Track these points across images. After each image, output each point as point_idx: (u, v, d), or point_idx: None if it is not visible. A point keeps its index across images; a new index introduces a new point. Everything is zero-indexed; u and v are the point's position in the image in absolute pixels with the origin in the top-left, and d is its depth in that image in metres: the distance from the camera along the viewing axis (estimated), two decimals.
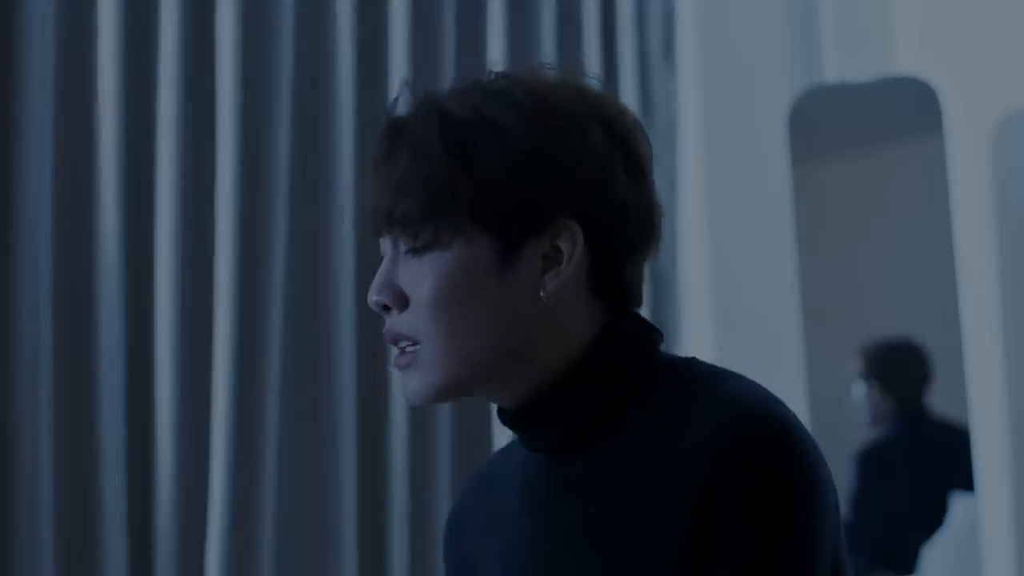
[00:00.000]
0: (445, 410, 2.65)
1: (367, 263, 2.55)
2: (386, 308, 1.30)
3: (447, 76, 2.72)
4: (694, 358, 1.33)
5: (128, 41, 2.40)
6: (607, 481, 1.27)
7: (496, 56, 2.79)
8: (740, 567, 1.19)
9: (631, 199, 1.29)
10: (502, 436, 2.67)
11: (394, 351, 1.31)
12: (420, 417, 2.62)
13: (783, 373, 3.15)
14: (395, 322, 1.30)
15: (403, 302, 1.29)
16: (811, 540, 1.21)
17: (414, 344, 1.28)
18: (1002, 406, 3.04)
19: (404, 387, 1.30)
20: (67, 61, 2.35)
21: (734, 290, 3.18)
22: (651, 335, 1.33)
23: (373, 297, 1.30)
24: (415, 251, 1.28)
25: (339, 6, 2.61)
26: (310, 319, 2.53)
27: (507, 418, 1.33)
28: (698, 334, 3.11)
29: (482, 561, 1.37)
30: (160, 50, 2.43)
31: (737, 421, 1.21)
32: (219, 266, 2.44)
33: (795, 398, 3.13)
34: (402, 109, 1.32)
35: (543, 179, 1.27)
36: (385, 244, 1.32)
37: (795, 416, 1.25)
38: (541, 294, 1.27)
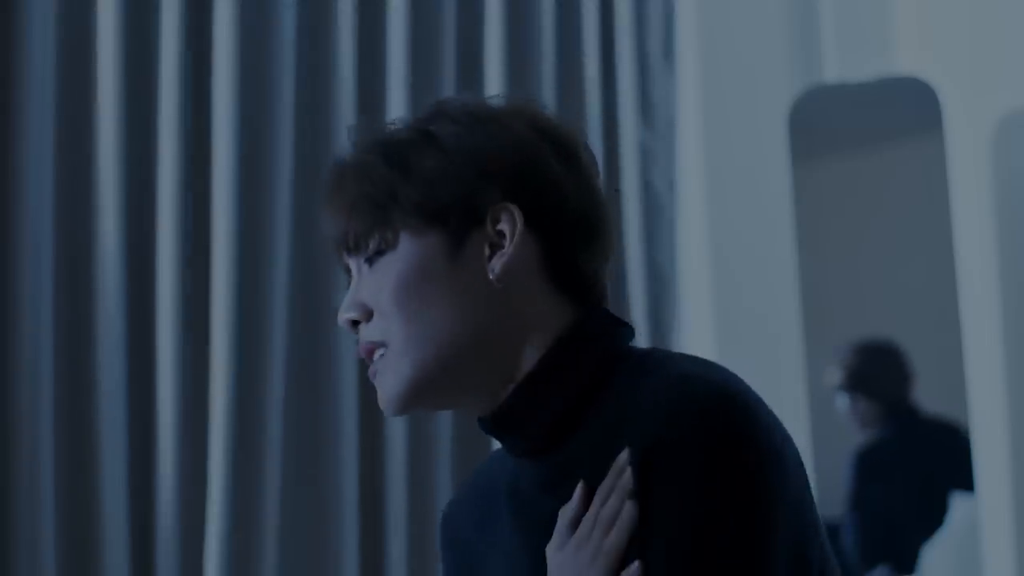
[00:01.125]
0: (445, 411, 2.65)
1: None
2: (355, 324, 1.36)
3: (446, 76, 2.72)
4: (657, 348, 1.36)
5: (128, 41, 2.40)
6: (577, 473, 1.29)
7: (495, 56, 2.79)
8: (674, 545, 1.20)
9: (565, 181, 1.35)
10: None
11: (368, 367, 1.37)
12: (420, 418, 2.62)
13: (783, 373, 3.15)
14: (365, 332, 1.36)
15: (369, 313, 1.35)
16: (756, 522, 1.20)
17: (383, 347, 1.34)
18: (1002, 406, 3.04)
19: (380, 397, 1.36)
20: (67, 61, 2.35)
21: (734, 290, 3.18)
22: (618, 329, 1.36)
23: (342, 316, 1.37)
24: (370, 261, 1.35)
25: (339, 6, 2.61)
26: (311, 319, 2.53)
27: (485, 426, 1.37)
28: (698, 334, 3.11)
29: (482, 563, 1.39)
30: (160, 50, 2.43)
31: (682, 395, 1.23)
32: (219, 266, 2.44)
33: (794, 398, 3.13)
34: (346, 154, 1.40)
35: (474, 170, 1.34)
36: (351, 270, 1.39)
37: (754, 395, 1.26)
38: (491, 276, 1.33)
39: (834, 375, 3.26)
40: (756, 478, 1.21)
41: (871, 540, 3.22)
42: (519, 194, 1.34)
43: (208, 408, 2.42)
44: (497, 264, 1.33)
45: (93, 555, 2.30)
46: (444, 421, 2.66)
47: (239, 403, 2.42)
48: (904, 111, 3.21)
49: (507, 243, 1.34)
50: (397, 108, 2.64)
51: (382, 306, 1.34)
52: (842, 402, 3.26)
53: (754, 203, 3.22)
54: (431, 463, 2.63)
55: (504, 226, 1.34)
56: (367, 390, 2.59)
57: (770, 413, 1.26)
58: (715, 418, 1.22)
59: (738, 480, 1.21)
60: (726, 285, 3.17)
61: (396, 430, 2.60)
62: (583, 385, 1.32)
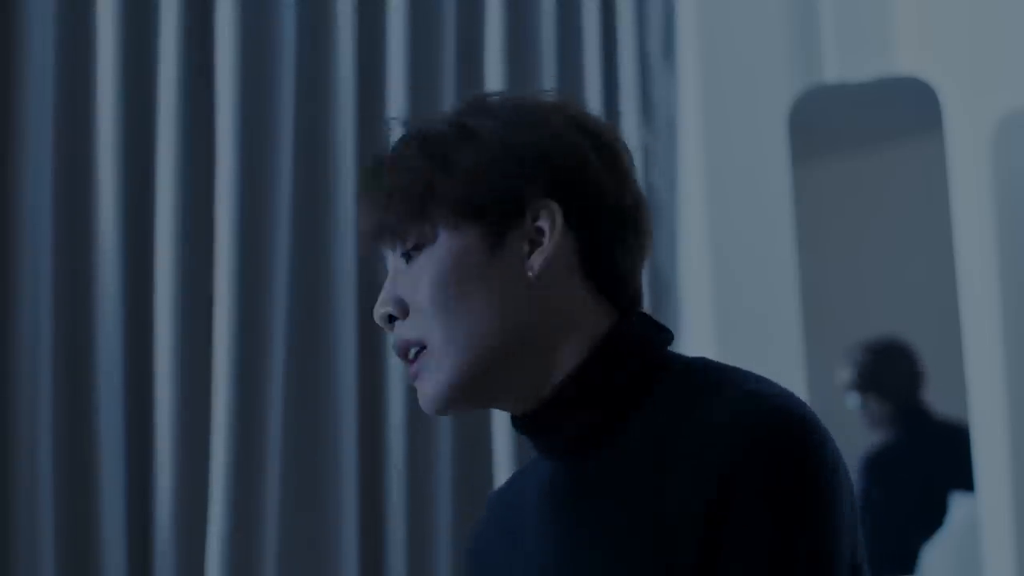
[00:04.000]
0: None
1: (369, 262, 2.55)
2: (391, 320, 1.35)
3: (447, 76, 2.72)
4: (705, 357, 1.36)
5: (128, 41, 2.40)
6: (621, 479, 1.29)
7: (495, 56, 2.79)
8: (759, 560, 1.21)
9: (604, 178, 1.36)
10: (503, 438, 2.67)
11: (406, 367, 1.36)
12: (420, 419, 2.61)
13: (783, 373, 3.14)
14: (401, 330, 1.35)
15: (405, 310, 1.35)
16: (830, 537, 1.23)
17: (422, 348, 1.33)
18: (1002, 406, 3.04)
19: (420, 397, 1.35)
20: (67, 61, 2.35)
21: (734, 290, 3.18)
22: (660, 334, 1.36)
23: (379, 311, 1.36)
24: (408, 255, 1.35)
25: (339, 6, 2.61)
26: (312, 319, 2.53)
27: (519, 424, 1.37)
28: (698, 334, 3.11)
29: (507, 573, 1.39)
30: (160, 50, 2.43)
31: (760, 416, 1.24)
32: (219, 266, 2.44)
33: None
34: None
35: (515, 166, 1.33)
36: (388, 263, 1.38)
37: (814, 414, 1.27)
38: (529, 273, 1.32)
39: (845, 374, 3.25)
40: (824, 497, 1.24)
41: (872, 539, 3.21)
42: (559, 190, 1.34)
43: (208, 408, 2.42)
44: (536, 261, 1.33)
45: (92, 556, 2.29)
46: (444, 420, 2.65)
47: (239, 403, 2.42)
48: (904, 111, 3.21)
49: (546, 240, 1.33)
50: (397, 108, 2.64)
51: (419, 303, 1.33)
52: (852, 401, 3.26)
53: (754, 203, 3.22)
54: (431, 463, 2.63)
55: (543, 223, 1.33)
56: (367, 390, 2.59)
57: (825, 429, 1.28)
58: (787, 441, 1.24)
59: (809, 501, 1.23)
60: (726, 285, 3.17)
61: (396, 430, 2.60)
62: (624, 390, 1.32)
